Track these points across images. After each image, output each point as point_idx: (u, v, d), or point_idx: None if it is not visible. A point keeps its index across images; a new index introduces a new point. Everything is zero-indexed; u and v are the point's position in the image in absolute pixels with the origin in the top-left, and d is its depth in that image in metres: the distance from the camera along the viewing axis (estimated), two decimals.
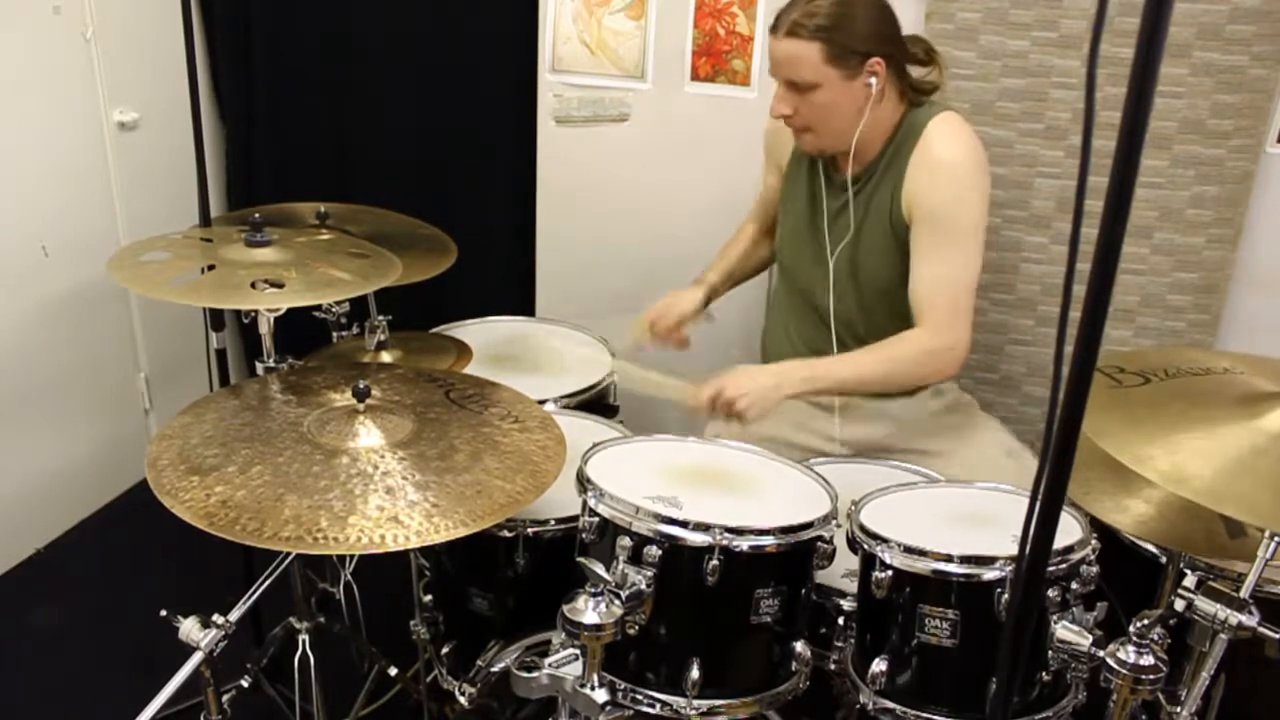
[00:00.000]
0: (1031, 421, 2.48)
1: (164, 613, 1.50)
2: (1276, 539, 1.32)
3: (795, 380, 1.79)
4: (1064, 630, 1.38)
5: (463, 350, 2.04)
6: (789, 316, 2.09)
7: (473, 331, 2.25)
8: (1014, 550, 1.07)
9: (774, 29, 1.82)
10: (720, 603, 1.43)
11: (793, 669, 1.50)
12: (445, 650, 1.78)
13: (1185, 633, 1.37)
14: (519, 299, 2.88)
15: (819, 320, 2.00)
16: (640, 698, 1.45)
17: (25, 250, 2.54)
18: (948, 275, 1.81)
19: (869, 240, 1.91)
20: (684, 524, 1.41)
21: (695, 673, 1.42)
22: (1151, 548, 1.65)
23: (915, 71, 1.90)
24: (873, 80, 1.79)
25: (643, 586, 1.39)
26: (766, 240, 2.20)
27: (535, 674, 1.39)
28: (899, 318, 1.88)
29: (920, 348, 1.82)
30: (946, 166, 1.82)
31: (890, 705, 1.46)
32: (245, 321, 1.77)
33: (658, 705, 1.45)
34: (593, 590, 1.36)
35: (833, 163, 1.95)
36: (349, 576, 2.01)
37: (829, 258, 1.94)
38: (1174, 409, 1.40)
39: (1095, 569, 1.44)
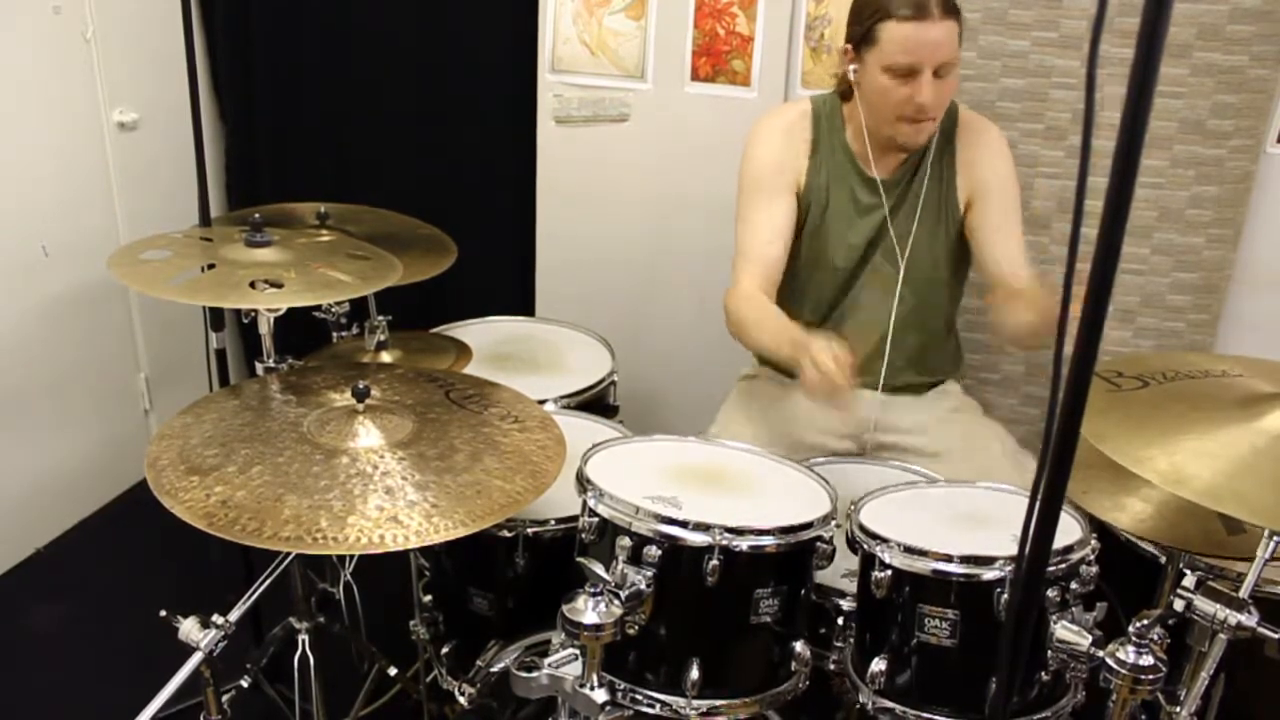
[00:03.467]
0: (1031, 421, 2.48)
1: (164, 613, 1.50)
2: (1276, 538, 1.32)
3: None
4: (1064, 630, 1.38)
5: (463, 350, 2.04)
6: (802, 315, 2.02)
7: (473, 331, 2.25)
8: (1014, 550, 1.07)
9: (919, 14, 1.70)
10: (720, 603, 1.43)
11: (793, 669, 1.50)
12: (445, 650, 1.78)
13: (1185, 633, 1.37)
14: (519, 299, 2.88)
15: (861, 320, 1.97)
16: (640, 698, 1.45)
17: (25, 250, 2.54)
18: (1020, 241, 1.92)
19: (924, 231, 1.92)
20: (684, 524, 1.41)
21: (695, 673, 1.42)
22: (1151, 548, 1.65)
23: None
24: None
25: (642, 586, 1.39)
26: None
27: (535, 674, 1.39)
28: (939, 306, 1.97)
29: None
30: (991, 143, 1.92)
31: (890, 705, 1.46)
32: (245, 322, 1.77)
33: (657, 705, 1.45)
34: (592, 590, 1.36)
35: (867, 165, 1.93)
36: (349, 576, 2.01)
37: (900, 257, 1.93)
38: (1173, 411, 1.40)
39: (1095, 569, 1.44)
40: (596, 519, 1.48)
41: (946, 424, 2.01)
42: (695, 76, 2.56)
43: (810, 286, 2.01)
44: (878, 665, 1.46)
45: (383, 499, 1.36)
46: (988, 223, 1.91)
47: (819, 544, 1.48)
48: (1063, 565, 1.41)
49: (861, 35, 1.79)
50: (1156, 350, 2.40)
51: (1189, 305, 2.37)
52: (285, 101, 2.96)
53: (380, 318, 1.99)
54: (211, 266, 1.74)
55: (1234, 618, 1.31)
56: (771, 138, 1.96)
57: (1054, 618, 1.39)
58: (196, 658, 1.48)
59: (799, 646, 1.49)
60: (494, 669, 1.72)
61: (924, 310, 1.97)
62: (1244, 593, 1.32)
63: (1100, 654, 1.32)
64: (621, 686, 1.45)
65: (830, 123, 1.96)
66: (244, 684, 1.92)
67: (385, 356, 1.98)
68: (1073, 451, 0.91)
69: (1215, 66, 2.18)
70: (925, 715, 1.45)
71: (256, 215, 1.83)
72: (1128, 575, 1.66)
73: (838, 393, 1.58)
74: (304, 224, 2.16)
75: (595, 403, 2.07)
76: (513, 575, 1.69)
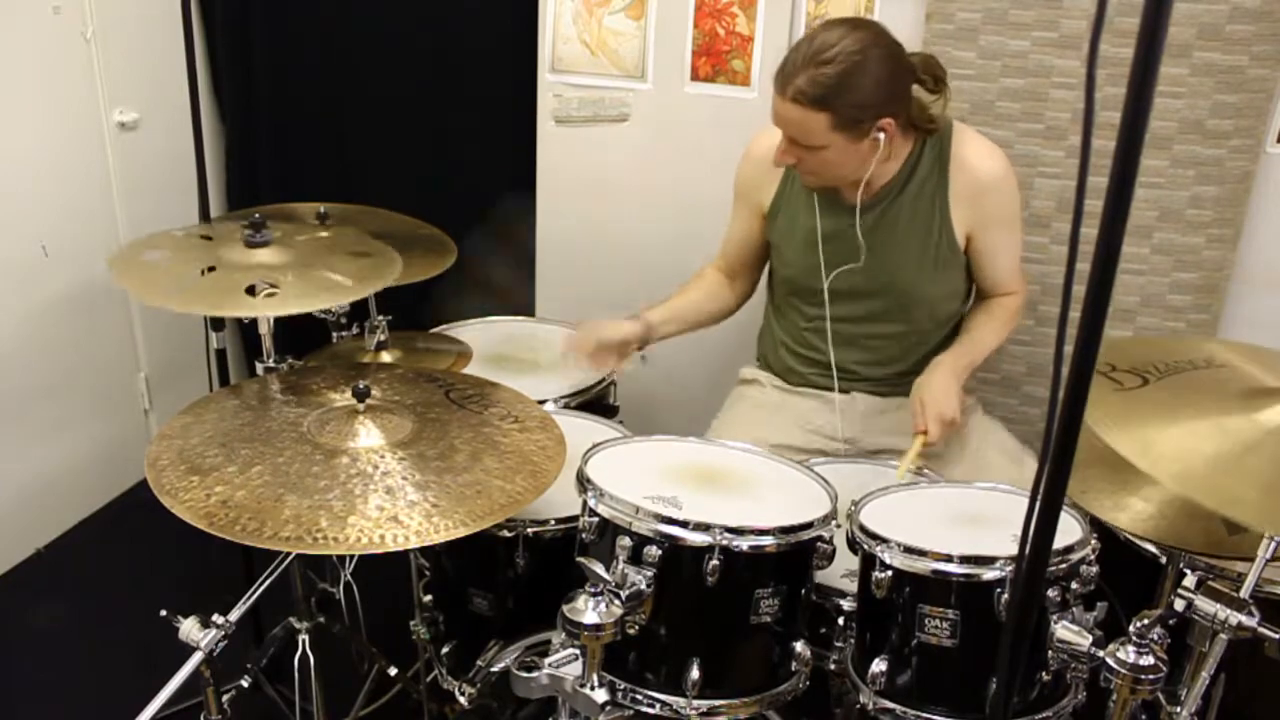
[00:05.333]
0: (1031, 421, 2.48)
1: (164, 613, 1.50)
2: (1276, 539, 1.32)
3: (962, 372, 1.92)
4: (1064, 630, 1.38)
5: (463, 350, 2.04)
6: (790, 328, 2.09)
7: (473, 331, 2.25)
8: (1014, 550, 1.07)
9: (777, 85, 1.75)
10: (720, 603, 1.43)
11: (793, 669, 1.50)
12: (445, 650, 1.78)
13: (1185, 633, 1.37)
14: (519, 299, 2.88)
15: (823, 334, 2.01)
16: (640, 698, 1.45)
17: (25, 250, 2.54)
18: (1017, 250, 2.02)
19: (912, 253, 1.91)
20: (684, 524, 1.41)
21: (695, 673, 1.42)
22: (1151, 547, 1.65)
23: (923, 96, 1.88)
24: (881, 136, 1.77)
25: (643, 586, 1.39)
26: (730, 286, 2.14)
27: (535, 674, 1.39)
28: (934, 320, 1.98)
29: (1018, 306, 2.04)
30: (997, 180, 1.91)
31: (890, 705, 1.46)
32: (245, 322, 1.77)
33: (658, 705, 1.45)
34: (593, 590, 1.36)
35: (836, 192, 1.92)
36: (349, 576, 2.01)
37: (826, 275, 1.94)
38: (1179, 410, 1.39)
39: (1095, 569, 1.44)
40: (596, 519, 1.48)
41: None
42: (695, 76, 2.56)
43: (792, 301, 2.05)
44: (878, 665, 1.46)
45: (383, 499, 1.36)
46: (987, 249, 1.95)
47: (819, 544, 1.48)
48: (1063, 565, 1.41)
49: None
50: None
51: (1189, 305, 2.37)
52: (285, 102, 2.96)
53: (380, 318, 1.99)
54: (212, 269, 1.74)
55: (1235, 618, 1.31)
56: (750, 159, 2.06)
57: (1054, 618, 1.39)
58: (196, 658, 1.48)
59: (799, 646, 1.49)
60: (494, 669, 1.71)
61: (917, 325, 1.99)
62: (1244, 593, 1.32)
63: (1101, 654, 1.32)
64: (622, 686, 1.45)
65: None
66: (244, 684, 1.92)
67: (385, 356, 1.98)
68: (1073, 451, 0.91)
69: (1215, 66, 2.18)
70: (926, 715, 1.45)
71: (256, 215, 1.83)
72: (1128, 575, 1.66)
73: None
74: (304, 224, 2.16)
75: (595, 403, 2.07)
76: (513, 575, 1.69)
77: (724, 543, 1.39)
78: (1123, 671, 1.27)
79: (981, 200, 1.90)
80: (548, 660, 1.40)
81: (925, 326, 1.99)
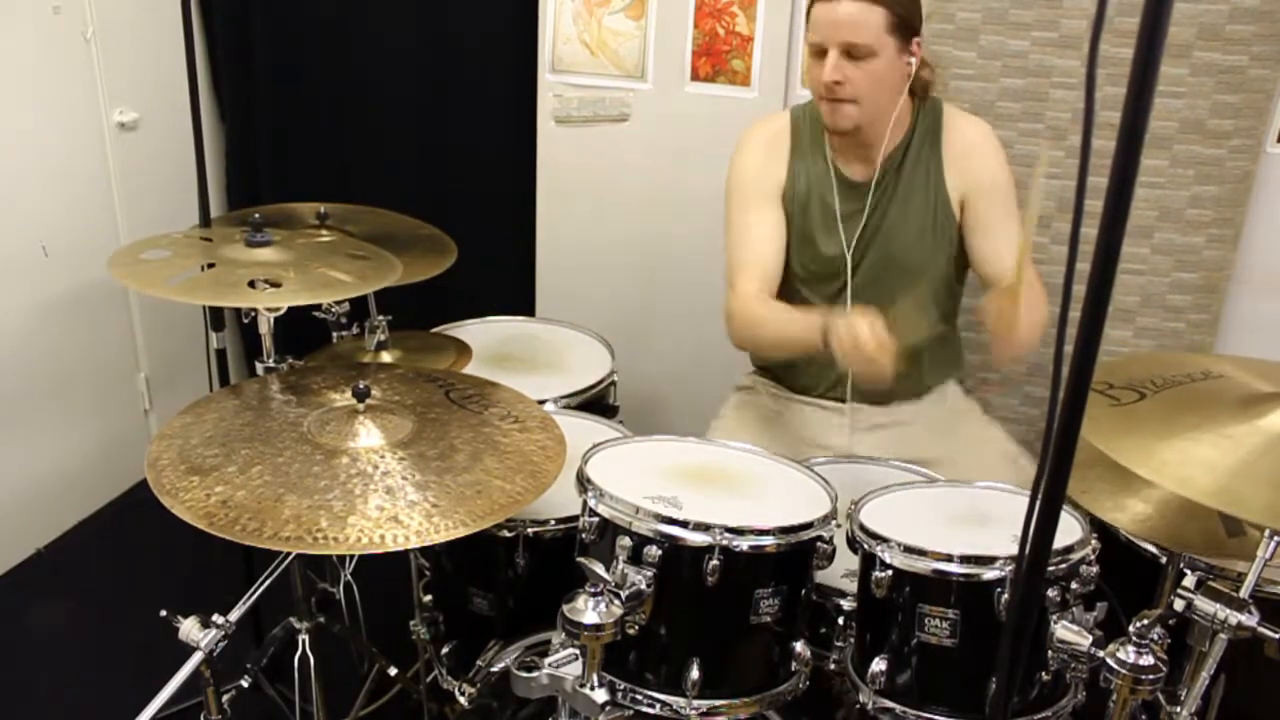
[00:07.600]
0: (1032, 422, 2.48)
1: (164, 613, 1.50)
2: (1276, 539, 1.32)
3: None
4: (1064, 630, 1.38)
5: (463, 350, 2.04)
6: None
7: (473, 331, 2.25)
8: (1014, 550, 1.07)
9: None
10: (720, 603, 1.43)
11: (793, 669, 1.50)
12: (445, 650, 1.78)
13: (1185, 633, 1.37)
14: (519, 299, 2.88)
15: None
16: (640, 698, 1.45)
17: (25, 250, 2.54)
18: (1014, 238, 1.88)
19: (912, 231, 1.90)
20: (684, 524, 1.41)
21: (695, 673, 1.42)
22: (1151, 547, 1.65)
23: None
24: (912, 61, 1.80)
25: (643, 586, 1.39)
26: None
27: (535, 674, 1.39)
28: (934, 306, 1.95)
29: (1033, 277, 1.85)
30: (982, 142, 1.91)
31: (890, 705, 1.46)
32: (245, 322, 1.77)
33: (657, 705, 1.45)
34: (593, 590, 1.36)
35: (847, 168, 1.92)
36: (349, 576, 2.01)
37: (850, 257, 1.92)
38: (1178, 418, 1.39)
39: (1095, 569, 1.44)
40: (596, 519, 1.48)
41: (946, 426, 2.01)
42: (695, 76, 2.56)
43: (801, 296, 2.01)
44: (878, 665, 1.46)
45: (383, 499, 1.36)
46: (981, 222, 1.91)
47: (819, 544, 1.48)
48: (1063, 565, 1.41)
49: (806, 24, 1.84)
50: (1157, 350, 2.40)
51: (1189, 305, 2.37)
52: (285, 101, 2.96)
53: (380, 318, 1.99)
54: (211, 266, 1.74)
55: (1234, 618, 1.31)
56: (755, 149, 1.97)
57: (1054, 618, 1.39)
58: (196, 658, 1.48)
59: (799, 646, 1.49)
60: (494, 669, 1.71)
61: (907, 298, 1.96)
62: (1244, 593, 1.32)
63: (1100, 654, 1.32)
64: (621, 686, 1.45)
65: (812, 130, 1.95)
66: (244, 684, 1.92)
67: (385, 356, 1.98)
68: (1073, 451, 0.91)
69: (1215, 66, 2.18)
70: (925, 715, 1.45)
71: (256, 215, 1.83)
72: (1128, 575, 1.66)
73: (869, 360, 1.58)
74: (304, 224, 2.16)
75: (595, 403, 2.07)
76: (513, 575, 1.69)
77: (724, 543, 1.39)
78: (1123, 671, 1.27)
79: (969, 163, 1.89)
80: (548, 660, 1.40)
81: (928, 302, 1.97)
